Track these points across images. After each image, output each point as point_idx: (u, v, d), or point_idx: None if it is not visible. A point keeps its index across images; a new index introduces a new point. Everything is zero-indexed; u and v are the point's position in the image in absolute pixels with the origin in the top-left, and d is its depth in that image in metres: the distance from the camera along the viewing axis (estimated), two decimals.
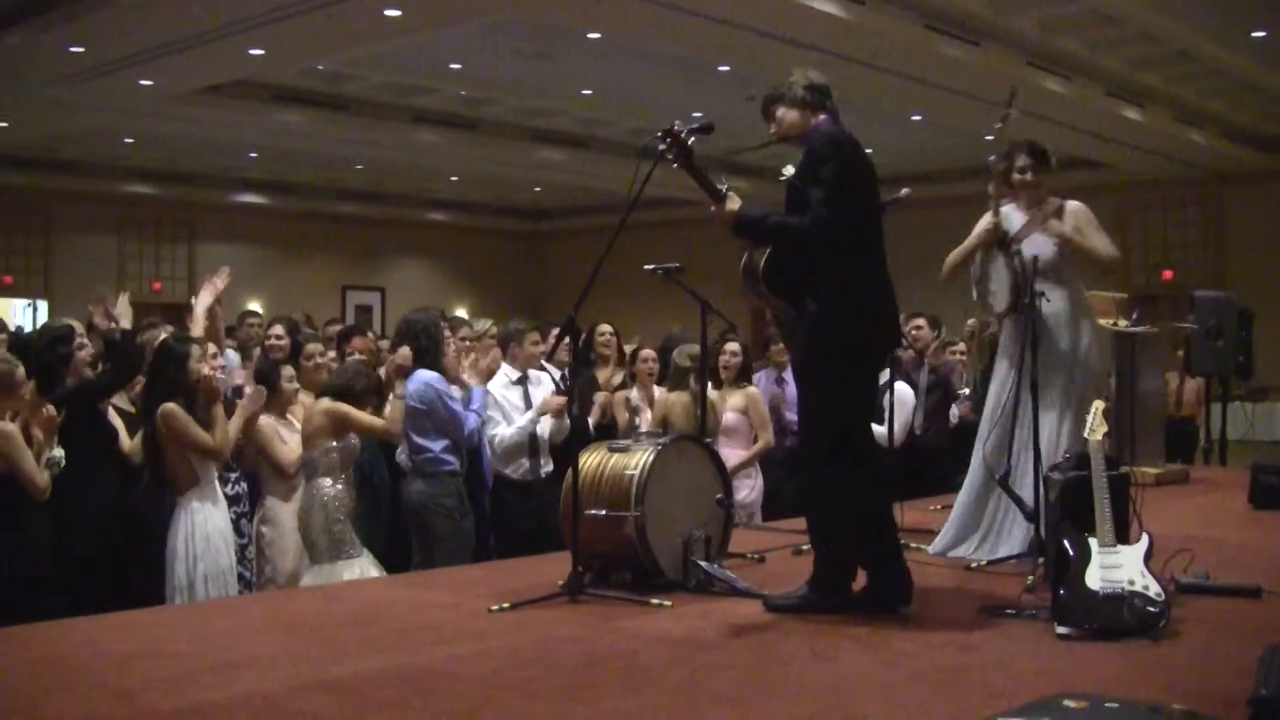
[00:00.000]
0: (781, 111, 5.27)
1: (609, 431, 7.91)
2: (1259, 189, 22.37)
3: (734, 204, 5.15)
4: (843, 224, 4.96)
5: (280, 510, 6.93)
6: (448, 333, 7.71)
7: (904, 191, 6.34)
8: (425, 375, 7.04)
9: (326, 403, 6.68)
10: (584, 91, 18.70)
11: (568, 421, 7.48)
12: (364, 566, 6.59)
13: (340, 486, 6.63)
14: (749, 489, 8.04)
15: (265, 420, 6.98)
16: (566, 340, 5.83)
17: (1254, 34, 15.93)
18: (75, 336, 6.97)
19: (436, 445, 7.05)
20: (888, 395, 8.27)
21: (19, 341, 6.88)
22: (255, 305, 22.21)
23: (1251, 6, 14.72)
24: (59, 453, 6.28)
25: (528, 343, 7.70)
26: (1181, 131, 20.06)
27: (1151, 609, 4.59)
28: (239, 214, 25.53)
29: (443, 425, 7.03)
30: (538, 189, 26.80)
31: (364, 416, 6.73)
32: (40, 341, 6.89)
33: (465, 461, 7.29)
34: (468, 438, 7.19)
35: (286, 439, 7.00)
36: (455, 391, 7.17)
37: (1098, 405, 5.13)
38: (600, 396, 8.30)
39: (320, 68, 16.87)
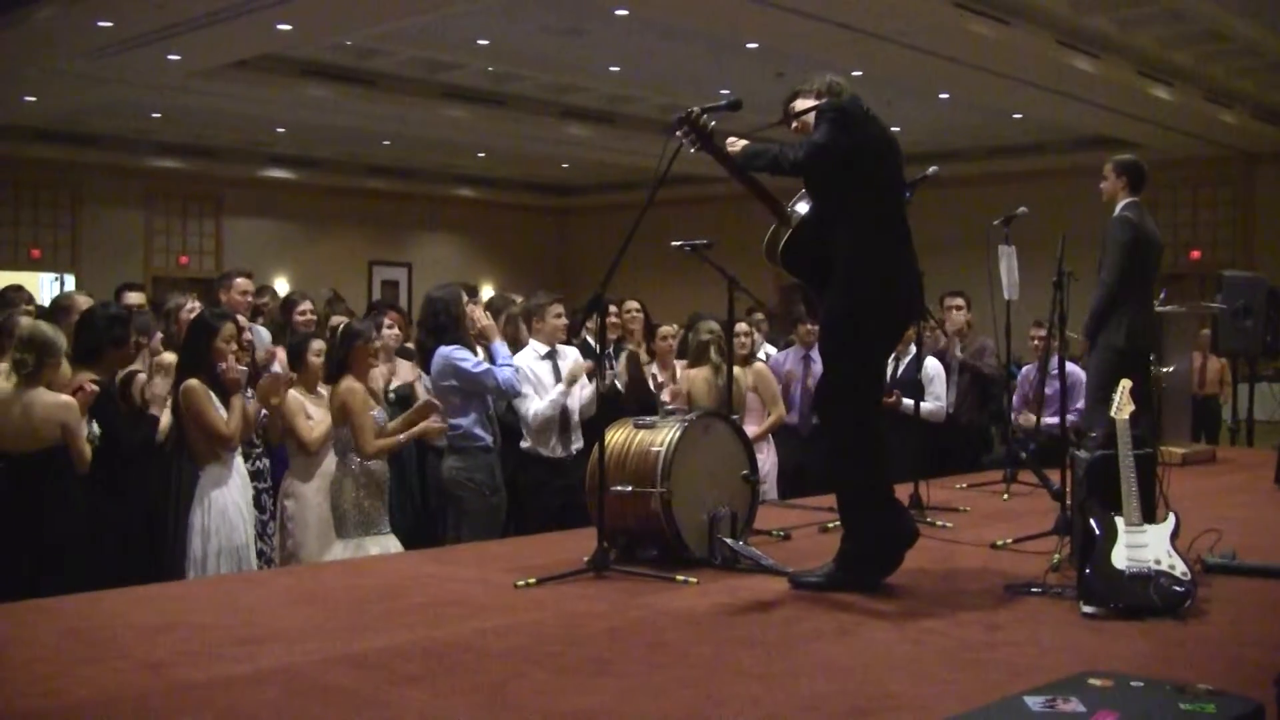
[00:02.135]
0: (799, 102, 5.34)
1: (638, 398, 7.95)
2: None
3: (736, 147, 5.20)
4: (821, 168, 5.04)
5: (303, 486, 6.94)
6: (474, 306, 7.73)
7: (931, 170, 6.35)
8: (442, 350, 7.06)
9: (350, 381, 6.68)
10: (612, 68, 18.65)
11: (591, 391, 7.47)
12: (391, 544, 6.62)
13: (374, 463, 6.64)
14: (762, 463, 8.05)
15: (292, 395, 6.98)
16: (593, 317, 5.86)
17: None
18: (132, 319, 6.96)
19: (466, 420, 7.07)
20: (922, 371, 8.28)
21: (86, 313, 6.87)
22: (282, 281, 22.27)
23: None
24: (95, 428, 6.31)
25: (551, 316, 7.69)
26: (1211, 111, 19.92)
27: (1178, 588, 4.58)
28: (266, 189, 25.54)
29: (471, 391, 7.07)
30: (565, 165, 26.75)
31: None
32: (99, 318, 6.83)
33: (499, 437, 7.31)
34: (504, 388, 7.16)
35: (313, 414, 7.00)
36: (471, 355, 7.17)
37: (1125, 384, 5.12)
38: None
39: (348, 43, 16.86)
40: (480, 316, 7.49)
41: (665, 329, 8.86)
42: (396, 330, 8.40)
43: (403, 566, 6.01)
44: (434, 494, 7.76)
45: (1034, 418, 8.18)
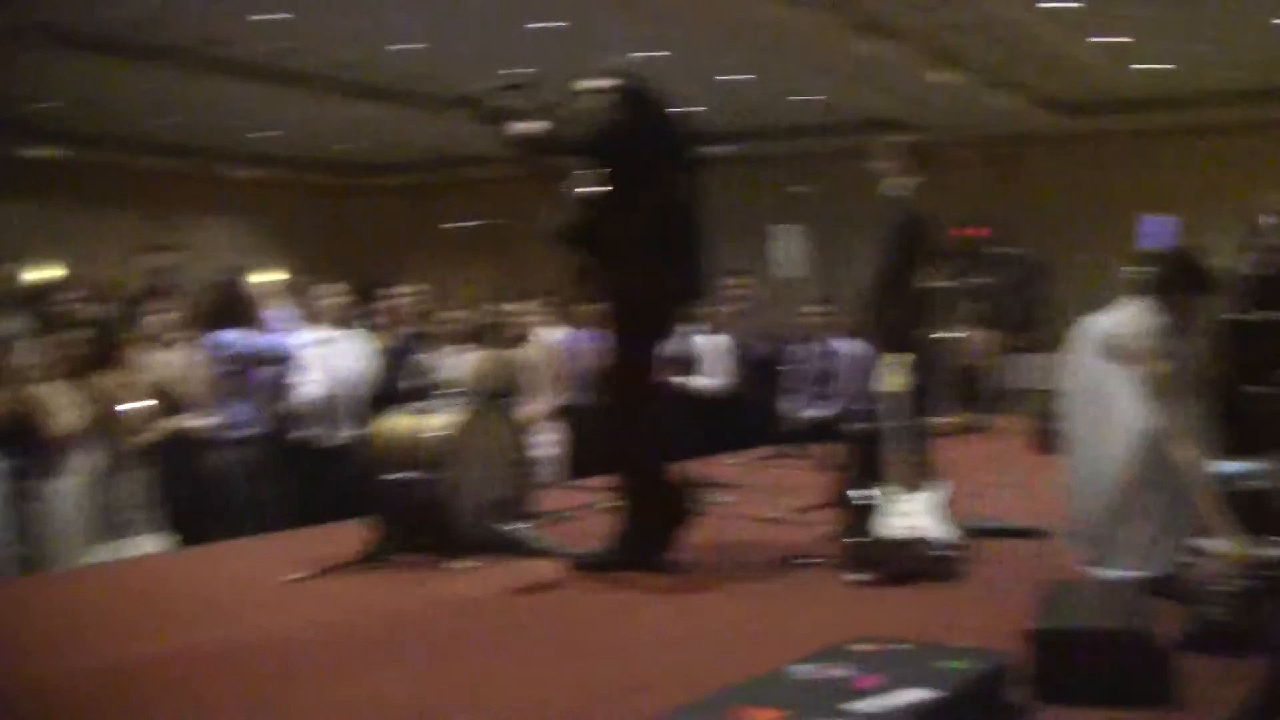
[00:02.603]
0: (588, 83, 5.32)
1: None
2: (1057, 151, 23.07)
3: (522, 127, 5.16)
4: (607, 147, 5.04)
5: (55, 486, 6.60)
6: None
7: (715, 149, 6.39)
8: (220, 336, 6.91)
9: (111, 372, 6.43)
10: (401, 45, 18.40)
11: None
12: (156, 544, 6.37)
13: (126, 460, 6.40)
14: (542, 445, 8.07)
15: (42, 388, 6.63)
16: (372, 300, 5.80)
17: (1038, 4, 16.38)
18: None
19: (239, 409, 6.94)
20: (698, 348, 8.38)
21: None
22: (54, 268, 21.41)
23: None
24: None
25: (329, 299, 7.58)
26: (984, 94, 20.56)
27: (942, 553, 4.75)
28: (31, 168, 24.54)
29: (245, 378, 6.95)
30: (352, 145, 26.33)
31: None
32: None
33: (268, 426, 7.18)
34: (281, 353, 7.11)
35: (66, 407, 6.68)
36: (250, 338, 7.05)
37: (894, 358, 5.25)
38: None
39: (123, 13, 16.26)
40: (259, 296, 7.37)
41: (449, 314, 8.80)
42: (168, 317, 8.13)
43: (168, 566, 5.82)
44: (209, 488, 7.56)
45: (808, 396, 8.37)
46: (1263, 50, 19.11)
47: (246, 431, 6.97)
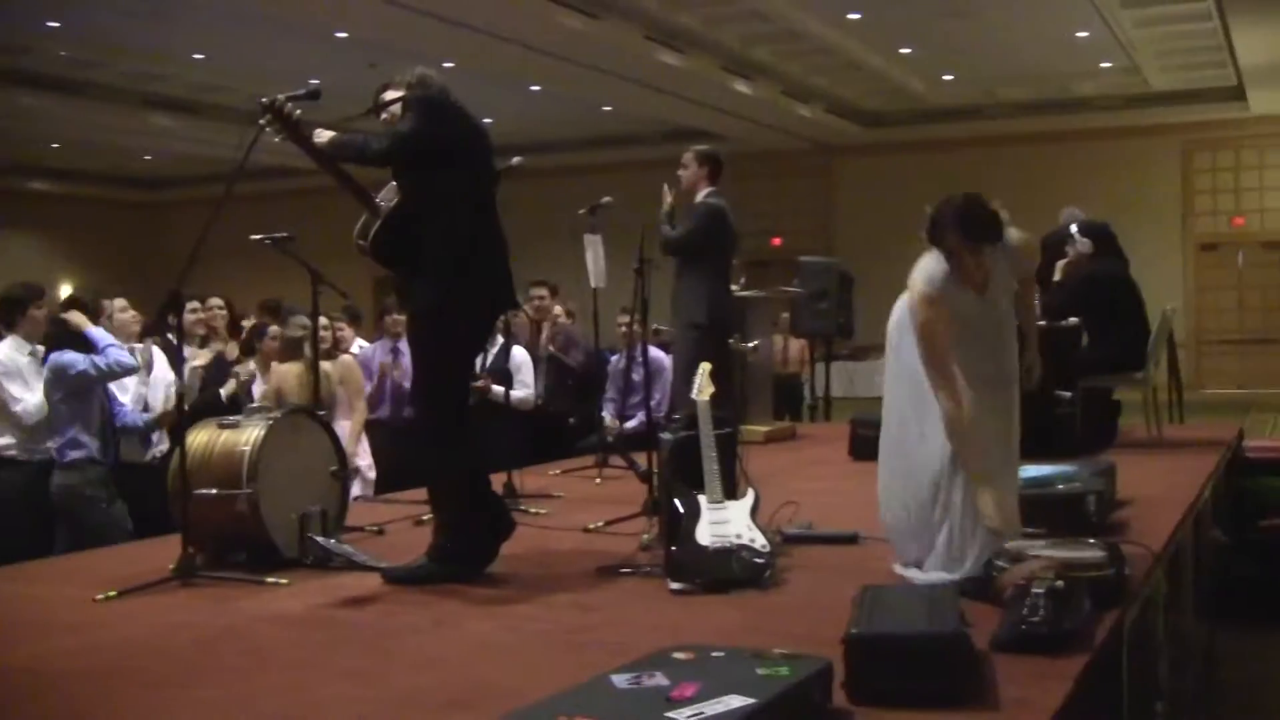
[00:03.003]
0: (389, 93, 5.31)
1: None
2: (863, 161, 23.61)
3: (323, 137, 5.13)
4: (407, 158, 5.03)
5: None
6: None
7: (515, 160, 6.40)
8: (62, 357, 6.77)
9: None
10: (197, 56, 18.04)
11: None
12: None
13: None
14: (355, 459, 7.98)
15: None
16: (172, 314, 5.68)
17: (850, 16, 16.79)
18: None
19: (71, 431, 6.83)
20: (510, 360, 8.37)
21: None
22: None
23: None
24: None
25: (118, 312, 7.43)
26: (790, 105, 20.94)
27: (758, 560, 4.79)
28: None
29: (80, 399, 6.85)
30: (149, 157, 25.71)
31: None
32: None
33: (110, 447, 7.07)
34: (119, 368, 6.95)
35: None
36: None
37: (705, 367, 5.31)
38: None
39: None
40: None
41: (275, 329, 8.65)
42: None
43: None
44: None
45: (625, 405, 8.42)
46: (1048, 64, 19.89)
47: (83, 452, 6.88)
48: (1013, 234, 4.78)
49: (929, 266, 4.69)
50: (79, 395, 6.88)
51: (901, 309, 4.86)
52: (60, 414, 6.84)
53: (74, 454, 6.86)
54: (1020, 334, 4.99)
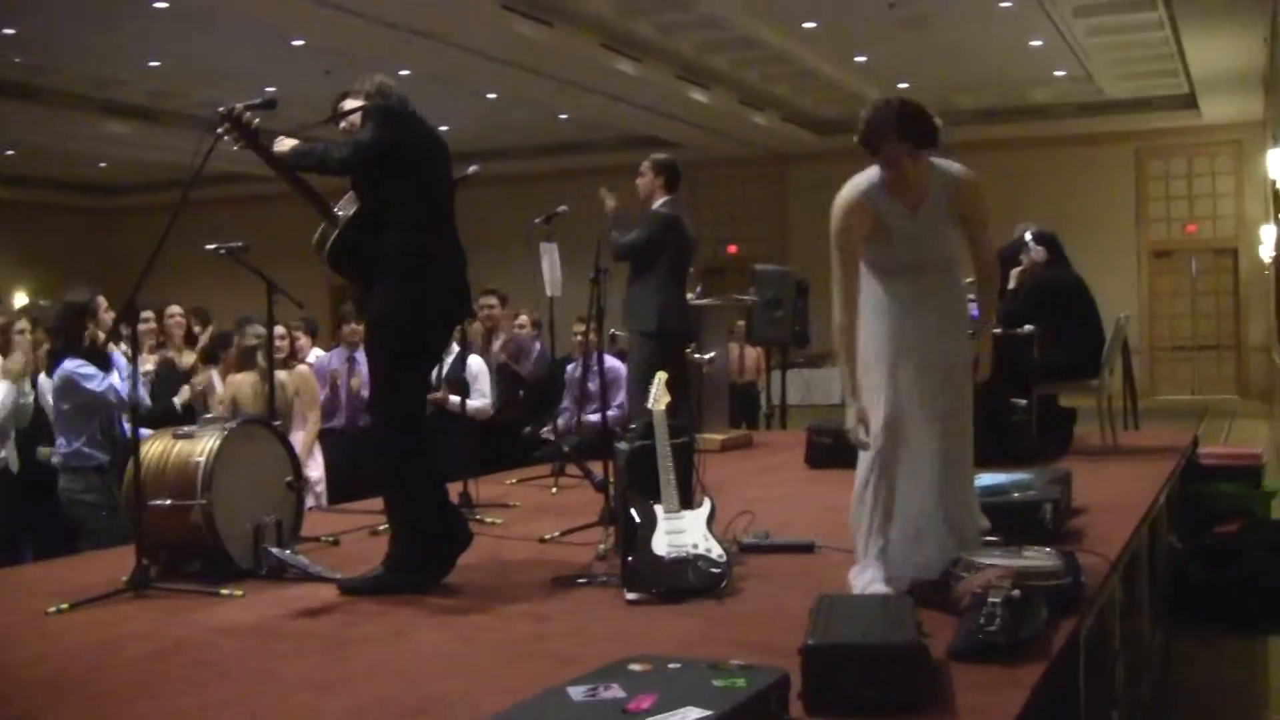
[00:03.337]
0: (348, 102, 5.31)
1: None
2: (817, 168, 23.66)
3: (283, 145, 5.11)
4: (366, 166, 5.02)
5: None
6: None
7: (471, 168, 6.40)
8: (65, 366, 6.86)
9: None
10: (152, 63, 17.92)
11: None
12: None
13: None
14: (311, 469, 7.96)
15: None
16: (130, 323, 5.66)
17: (805, 24, 16.86)
18: None
19: (76, 442, 6.92)
20: (466, 369, 8.35)
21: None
22: None
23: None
24: None
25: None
26: (746, 113, 21.00)
27: (715, 570, 4.78)
28: None
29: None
30: (104, 164, 25.54)
31: None
32: None
33: (115, 454, 7.01)
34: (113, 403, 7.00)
35: None
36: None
37: (660, 376, 5.31)
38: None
39: None
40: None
41: (222, 333, 8.62)
42: None
43: None
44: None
45: (581, 414, 8.42)
46: (1002, 73, 20.03)
47: (90, 461, 7.00)
48: (955, 166, 4.71)
49: (859, 176, 4.61)
50: (87, 407, 6.94)
51: None
52: (67, 422, 6.93)
53: (79, 462, 6.94)
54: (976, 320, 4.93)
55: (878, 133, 4.47)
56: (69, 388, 6.86)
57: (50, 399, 7.22)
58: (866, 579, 4.61)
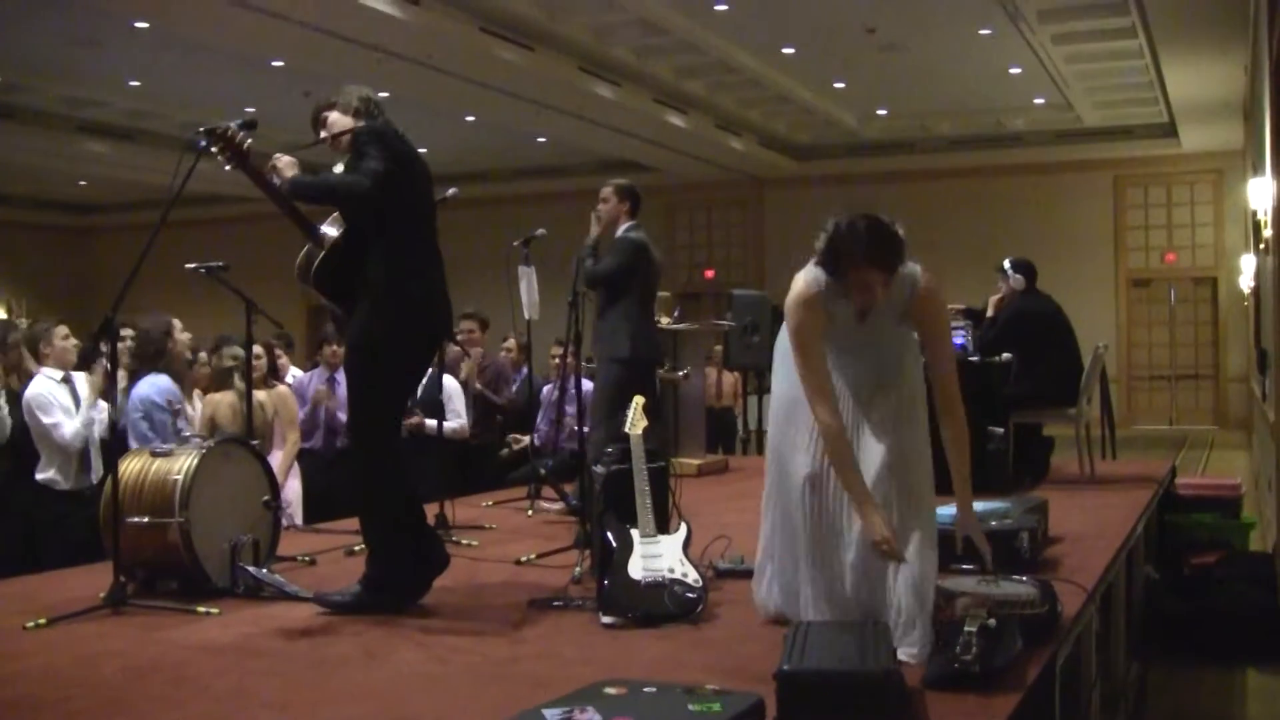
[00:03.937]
0: (334, 116, 5.29)
1: None
2: (793, 193, 23.75)
3: (290, 171, 5.09)
4: (387, 192, 4.96)
5: None
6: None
7: (451, 191, 6.42)
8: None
9: None
10: (132, 82, 17.91)
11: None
12: None
13: None
14: (288, 488, 7.94)
15: None
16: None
17: (784, 50, 16.94)
18: None
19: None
20: (442, 390, 8.35)
21: None
22: None
23: (782, 25, 15.64)
24: None
25: (58, 339, 7.38)
26: (723, 138, 21.07)
27: (690, 594, 4.80)
28: None
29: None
30: (83, 183, 25.48)
31: None
32: None
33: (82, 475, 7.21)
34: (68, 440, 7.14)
35: None
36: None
37: (638, 400, 5.33)
38: None
39: None
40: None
41: (203, 356, 8.60)
42: None
43: None
44: None
45: (557, 436, 8.44)
46: (981, 99, 20.14)
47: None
48: (914, 271, 4.36)
49: (813, 271, 4.37)
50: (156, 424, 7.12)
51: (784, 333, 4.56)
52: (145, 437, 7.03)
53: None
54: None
55: (845, 259, 4.22)
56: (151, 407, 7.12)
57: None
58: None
